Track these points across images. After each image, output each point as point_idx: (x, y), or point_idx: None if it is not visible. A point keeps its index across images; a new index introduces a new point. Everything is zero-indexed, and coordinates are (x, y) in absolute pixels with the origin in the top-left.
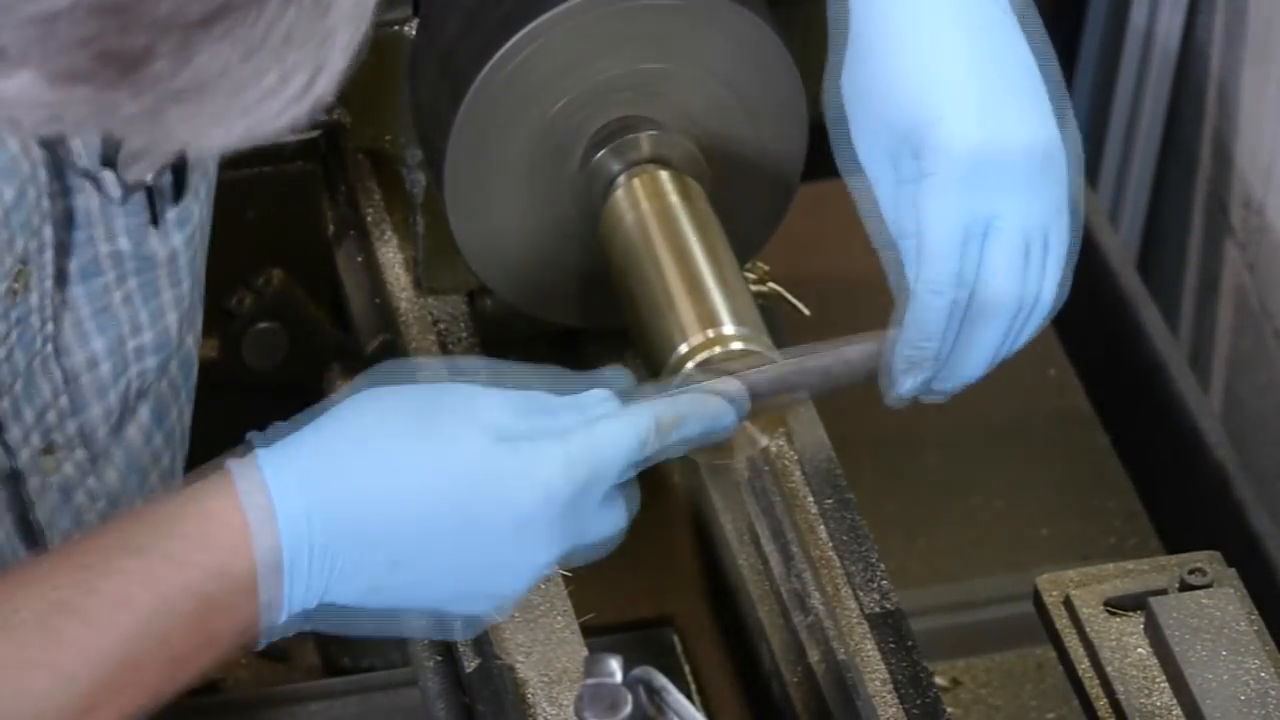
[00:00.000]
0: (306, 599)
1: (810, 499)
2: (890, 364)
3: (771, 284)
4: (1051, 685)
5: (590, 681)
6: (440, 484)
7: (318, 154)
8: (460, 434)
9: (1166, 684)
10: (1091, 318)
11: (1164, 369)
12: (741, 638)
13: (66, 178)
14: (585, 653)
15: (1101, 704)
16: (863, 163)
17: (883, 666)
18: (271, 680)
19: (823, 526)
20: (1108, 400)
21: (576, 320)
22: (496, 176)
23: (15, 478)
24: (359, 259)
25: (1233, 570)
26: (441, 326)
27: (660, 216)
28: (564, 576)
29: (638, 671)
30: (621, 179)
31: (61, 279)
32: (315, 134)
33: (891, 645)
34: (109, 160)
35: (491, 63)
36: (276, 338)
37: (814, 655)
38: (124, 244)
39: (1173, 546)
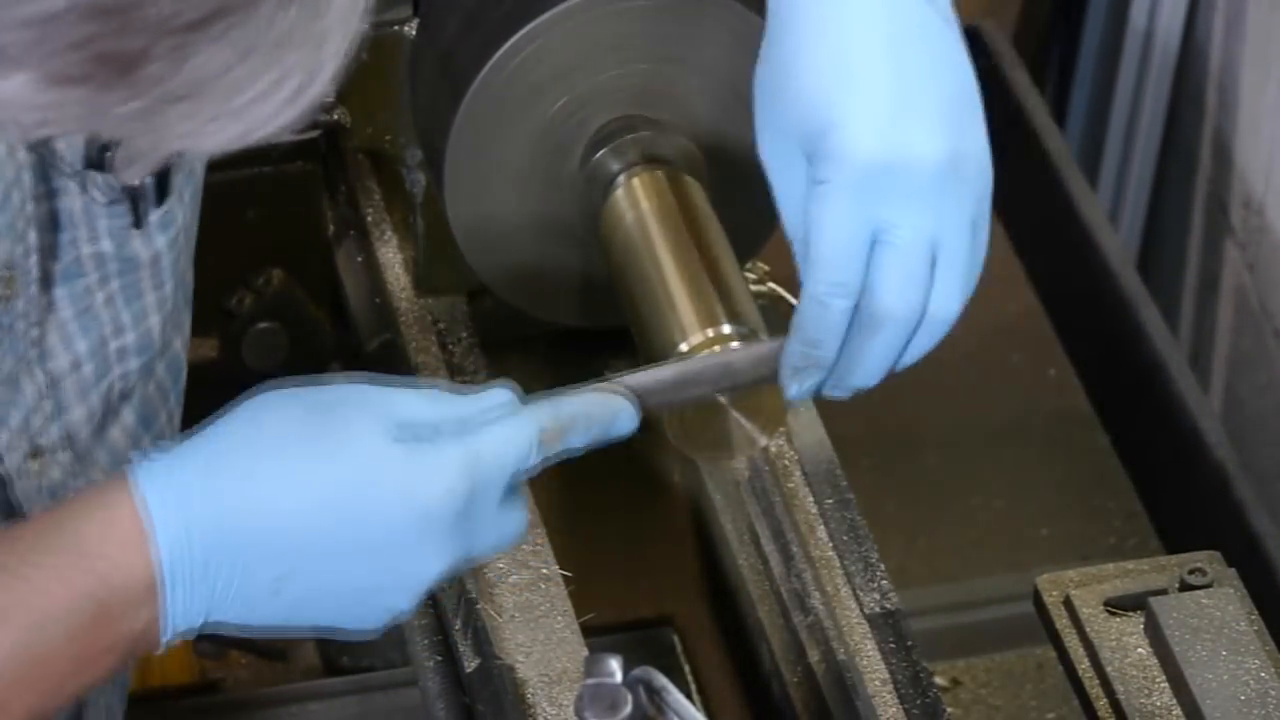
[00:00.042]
0: (189, 618)
1: (810, 499)
2: (781, 366)
3: (771, 284)
4: (1051, 685)
5: (590, 681)
6: (331, 488)
7: (318, 154)
8: (354, 432)
9: (1166, 684)
10: (1091, 318)
11: (1164, 369)
12: (741, 638)
13: (51, 180)
14: (585, 653)
15: (1101, 704)
16: (764, 159)
17: (883, 666)
18: (271, 680)
19: (823, 526)
20: (1108, 400)
21: (576, 320)
22: (496, 176)
23: (3, 482)
24: (359, 259)
25: (1233, 570)
26: (441, 326)
27: (660, 216)
28: (564, 576)
29: (638, 671)
30: (621, 179)
31: (46, 282)
32: (315, 134)
33: (891, 645)
34: (94, 162)
35: (491, 63)
36: (276, 338)
37: (814, 655)
38: (107, 246)
39: (1173, 546)
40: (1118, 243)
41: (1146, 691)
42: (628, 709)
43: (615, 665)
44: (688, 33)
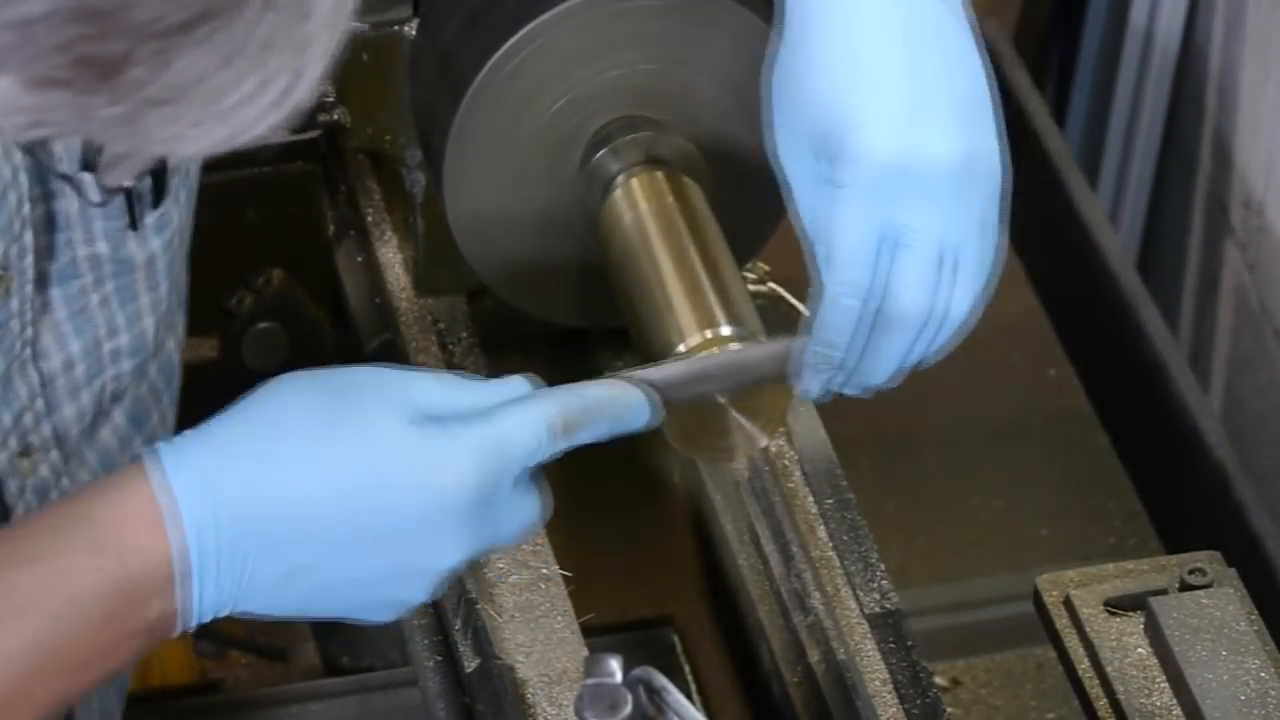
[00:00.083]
0: (213, 605)
1: (810, 499)
2: (798, 364)
3: (771, 284)
4: (1051, 685)
5: (590, 681)
6: (349, 472)
7: (318, 154)
8: (373, 417)
9: (1166, 684)
10: (1091, 318)
11: (1164, 369)
12: (741, 638)
13: (48, 182)
14: (585, 653)
15: (1101, 704)
16: (781, 159)
17: (883, 666)
18: (271, 680)
19: (823, 526)
20: (1108, 400)
21: (576, 320)
22: (496, 177)
23: None
24: (359, 259)
25: (1233, 570)
26: (441, 326)
27: (659, 217)
28: (564, 576)
29: (638, 671)
30: (620, 179)
31: (42, 282)
32: (315, 134)
33: (891, 645)
34: (89, 164)
35: (491, 63)
36: (276, 338)
37: (814, 655)
38: (102, 247)
39: (1173, 546)
40: (1118, 243)
41: (1146, 691)
42: (628, 709)
43: (615, 665)
44: (687, 33)
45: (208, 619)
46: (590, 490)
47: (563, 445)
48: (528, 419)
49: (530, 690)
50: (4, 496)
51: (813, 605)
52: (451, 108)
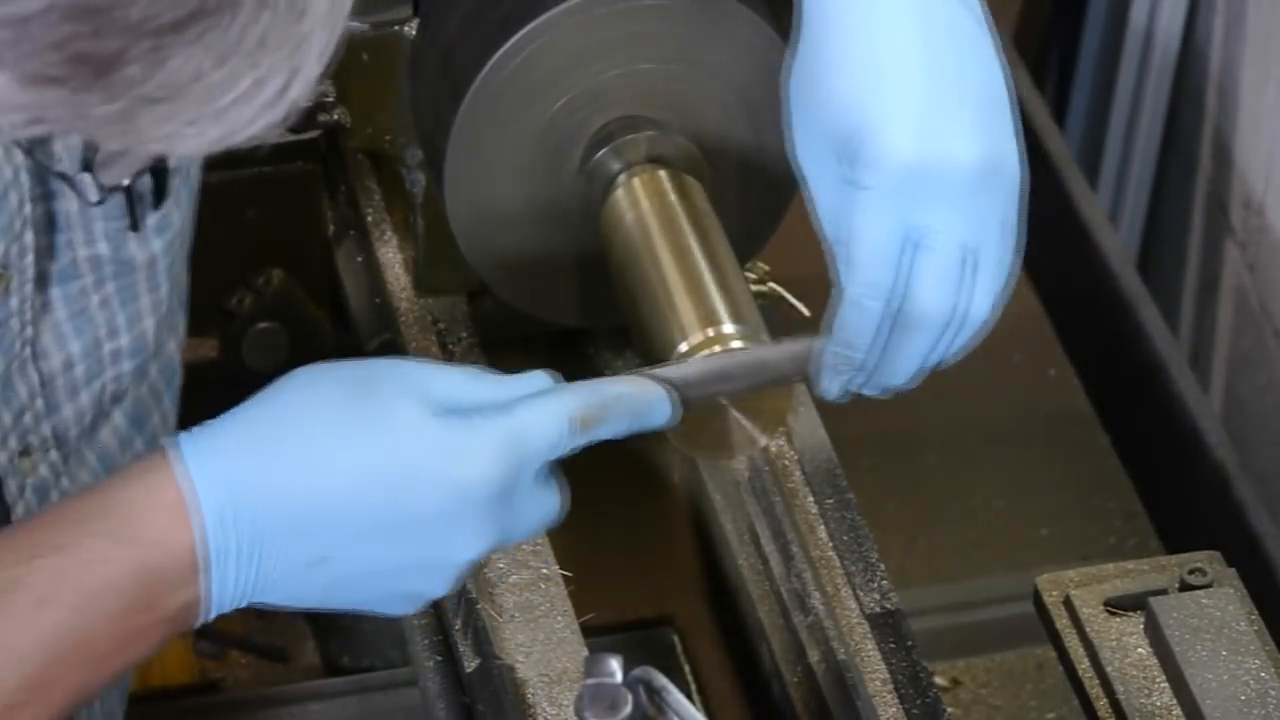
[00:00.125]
0: (232, 596)
1: (810, 499)
2: (818, 364)
3: (771, 284)
4: (1051, 685)
5: (590, 681)
6: (371, 462)
7: (318, 154)
8: (394, 407)
9: (1166, 684)
10: (1091, 318)
11: (1164, 369)
12: (741, 638)
13: (48, 182)
14: (585, 653)
15: (1101, 704)
16: (801, 162)
17: (883, 666)
18: (271, 680)
19: (823, 526)
20: (1108, 400)
21: (576, 320)
22: (496, 176)
23: None
24: (359, 259)
25: (1233, 570)
26: (441, 326)
27: (660, 216)
28: (564, 576)
29: (638, 671)
30: (621, 178)
31: (42, 282)
32: (315, 134)
33: (891, 645)
34: (88, 164)
35: (491, 63)
36: (276, 338)
37: (814, 655)
38: (103, 248)
39: (1173, 546)
40: (1118, 243)
41: (1146, 691)
42: (628, 709)
43: (615, 665)
44: (688, 32)
45: (227, 609)
46: (590, 490)
47: (583, 440)
48: (549, 413)
49: (530, 690)
50: (4, 496)
51: (813, 605)
52: (451, 107)
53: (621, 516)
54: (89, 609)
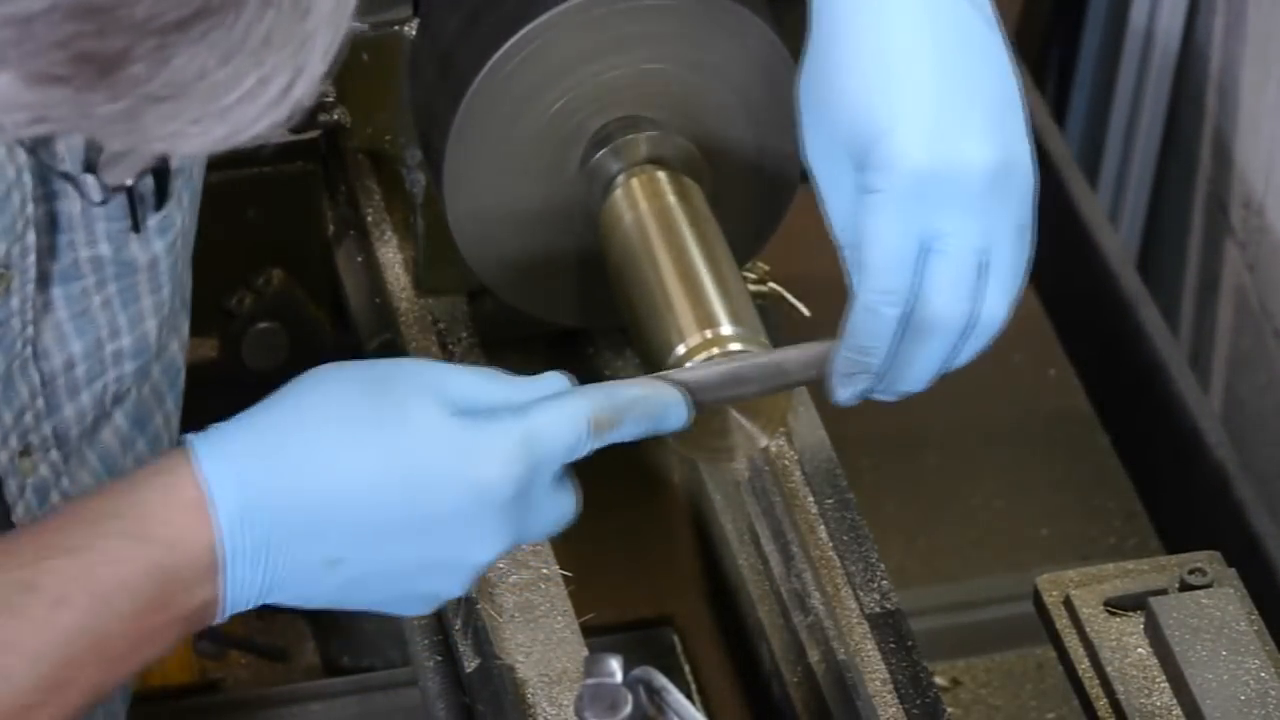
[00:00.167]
0: (247, 596)
1: (810, 499)
2: (831, 371)
3: (771, 284)
4: (1051, 685)
5: (590, 681)
6: (388, 462)
7: (318, 154)
8: (411, 407)
9: (1166, 684)
10: (1091, 318)
11: (1164, 369)
12: (741, 638)
13: (51, 182)
14: (585, 653)
15: (1101, 704)
16: (812, 165)
17: (883, 666)
18: (271, 680)
19: (823, 526)
20: (1108, 400)
21: (576, 320)
22: (496, 177)
23: None
24: (359, 259)
25: (1233, 570)
26: (441, 326)
27: (659, 217)
28: (564, 576)
29: (638, 671)
30: (620, 179)
31: (44, 282)
32: (315, 134)
33: (891, 645)
34: (91, 164)
35: (491, 63)
36: (276, 338)
37: (814, 655)
38: (104, 249)
39: (1173, 546)
40: (1118, 243)
41: (1146, 691)
42: (628, 709)
43: (615, 665)
44: (687, 33)
45: (242, 609)
46: (590, 490)
47: (599, 443)
48: (565, 415)
49: (530, 690)
50: (3, 496)
51: (813, 605)
52: (451, 108)
53: (621, 516)
54: (104, 609)
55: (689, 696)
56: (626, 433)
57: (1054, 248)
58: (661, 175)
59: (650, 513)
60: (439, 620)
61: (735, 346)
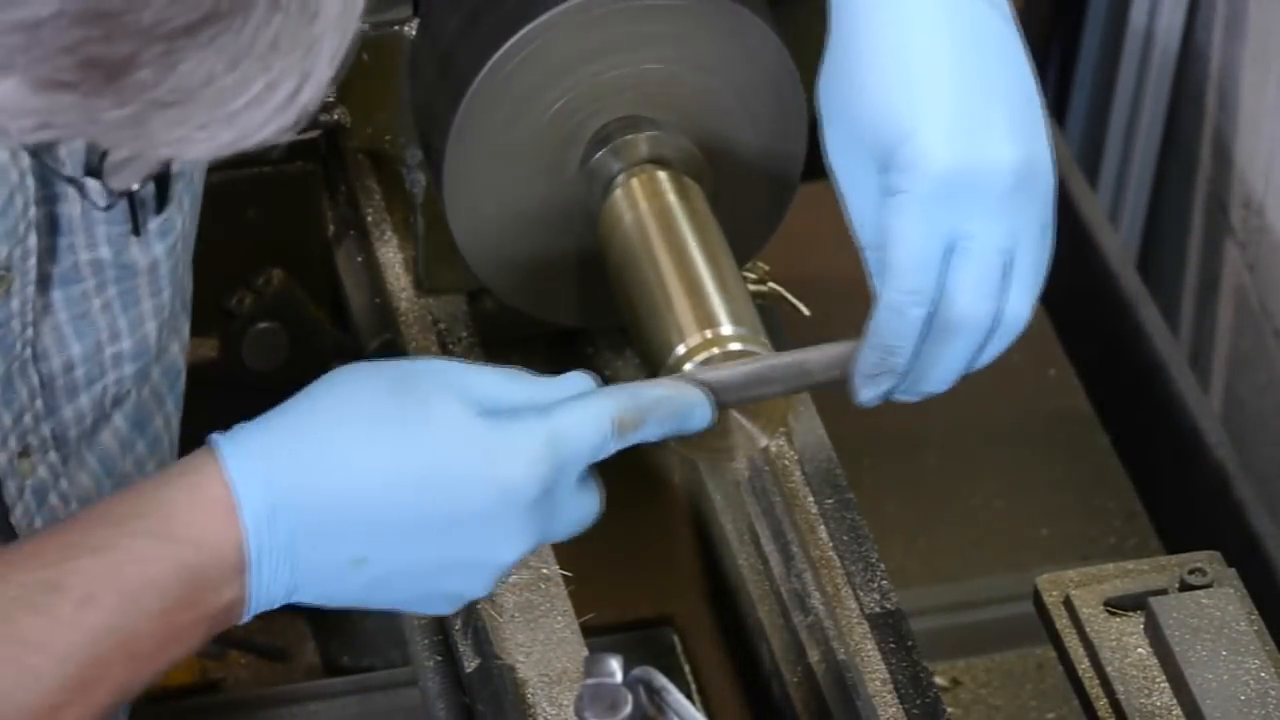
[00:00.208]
0: (273, 594)
1: (810, 499)
2: (854, 371)
3: (771, 284)
4: (1051, 685)
5: (590, 681)
6: (414, 461)
7: (318, 154)
8: (437, 406)
9: (1166, 684)
10: (1091, 318)
11: (1164, 369)
12: (741, 638)
13: (52, 185)
14: (585, 653)
15: (1101, 704)
16: (833, 168)
17: (883, 666)
18: (271, 680)
19: (823, 526)
20: (1108, 400)
21: (576, 320)
22: (496, 177)
23: None
24: (359, 259)
25: (1233, 570)
26: (441, 326)
27: (659, 217)
28: (564, 576)
29: (638, 671)
30: (620, 179)
31: (44, 284)
32: (315, 134)
33: (891, 645)
34: (93, 168)
35: (491, 63)
36: (276, 338)
37: (814, 655)
38: (105, 252)
39: (1173, 546)
40: (1118, 243)
41: (1146, 691)
42: (628, 709)
43: (615, 665)
44: (687, 33)
45: (268, 607)
46: None
47: (623, 443)
48: (590, 416)
49: (530, 690)
50: (2, 497)
51: (813, 605)
52: (451, 108)
53: (621, 516)
54: (132, 608)
55: (689, 696)
56: (650, 433)
57: (1054, 248)
58: (662, 175)
59: (650, 513)
60: (439, 620)
61: (735, 346)
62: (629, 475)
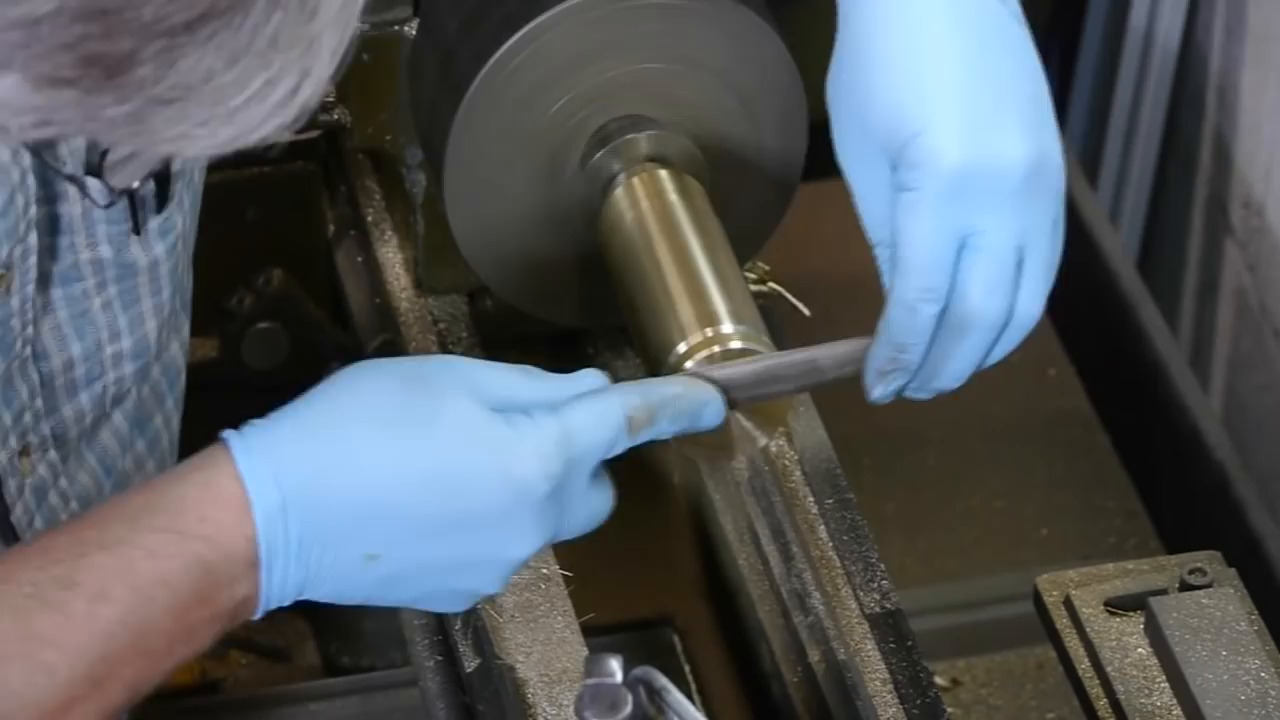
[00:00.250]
0: (285, 592)
1: (810, 499)
2: (867, 368)
3: (771, 284)
4: (1051, 685)
5: (590, 681)
6: (426, 458)
7: (318, 154)
8: (449, 403)
9: (1166, 684)
10: (1091, 318)
11: (1164, 369)
12: (741, 638)
13: (52, 184)
14: (585, 653)
15: (1101, 704)
16: (844, 166)
17: (883, 666)
18: (271, 680)
19: (823, 526)
20: (1108, 400)
21: (576, 320)
22: (496, 176)
23: None
24: (359, 259)
25: (1233, 570)
26: (441, 326)
27: (659, 216)
28: (564, 576)
29: (638, 671)
30: (621, 178)
31: (44, 282)
32: (315, 134)
33: (891, 645)
34: (93, 167)
35: (491, 63)
36: (276, 338)
37: (814, 655)
38: (105, 251)
39: (1173, 546)
40: (1118, 243)
41: (1146, 691)
42: (628, 709)
43: (615, 665)
44: (688, 32)
45: (280, 604)
46: None
47: (635, 441)
48: (603, 412)
49: (530, 690)
50: (2, 496)
51: (813, 605)
52: (451, 108)
53: (621, 516)
54: (145, 604)
55: (689, 696)
56: (662, 431)
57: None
58: (662, 174)
59: (650, 513)
60: (439, 620)
61: (736, 345)
62: (629, 475)
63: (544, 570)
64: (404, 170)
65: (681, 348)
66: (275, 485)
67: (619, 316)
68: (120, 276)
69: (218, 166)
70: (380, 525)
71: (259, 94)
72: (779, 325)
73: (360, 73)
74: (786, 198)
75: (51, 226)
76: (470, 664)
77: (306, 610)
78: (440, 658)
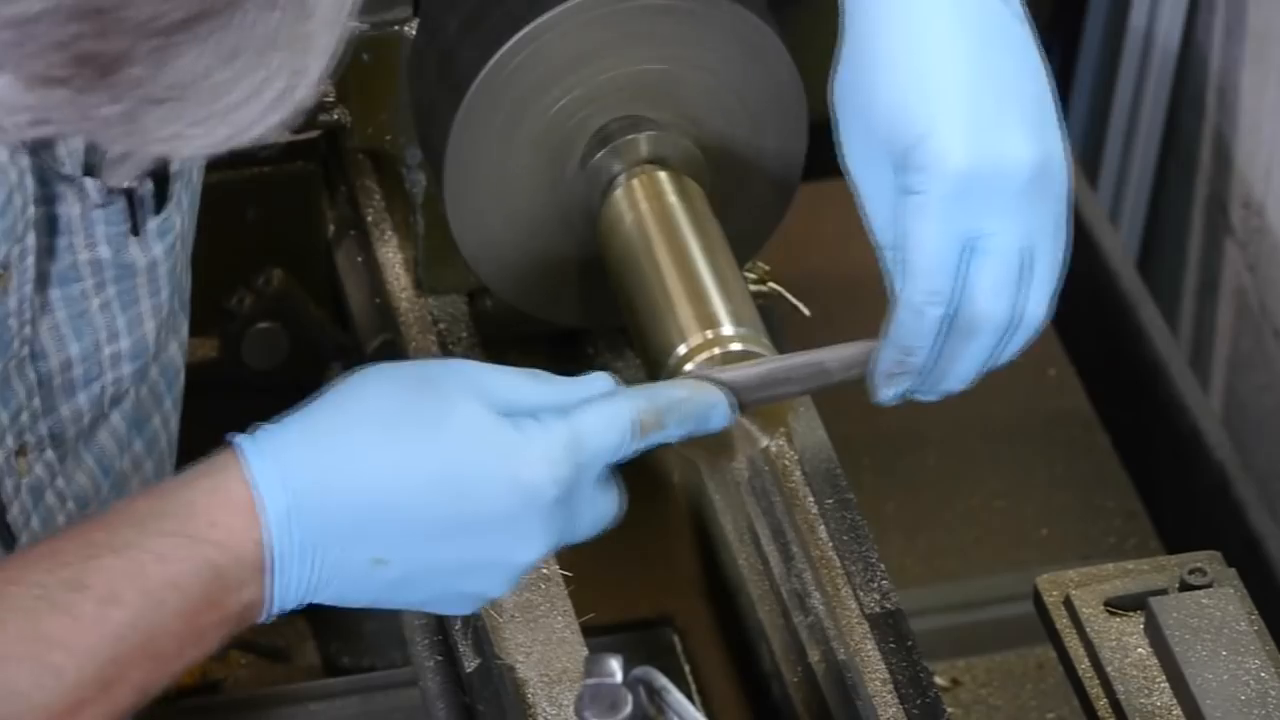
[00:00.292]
0: (294, 595)
1: (810, 499)
2: (873, 370)
3: (771, 284)
4: (1051, 685)
5: (590, 681)
6: (434, 461)
7: (318, 154)
8: (458, 407)
9: (1166, 684)
10: (1091, 318)
11: (1164, 369)
12: (741, 638)
13: (51, 184)
14: (585, 653)
15: (1101, 704)
16: (849, 168)
17: (883, 666)
18: (271, 680)
19: (823, 526)
20: (1108, 400)
21: (576, 320)
22: (496, 177)
23: None
24: (359, 259)
25: (1233, 570)
26: (441, 326)
27: (659, 217)
28: (564, 576)
29: (638, 671)
30: (621, 179)
31: (42, 282)
32: (315, 134)
33: (891, 645)
34: (91, 167)
35: (491, 63)
36: (276, 338)
37: (814, 655)
38: (104, 252)
39: (1173, 546)
40: (1118, 243)
41: (1146, 691)
42: (628, 709)
43: (615, 665)
44: (688, 33)
45: (288, 608)
46: None
47: (643, 444)
48: (611, 416)
49: (530, 690)
50: (1, 494)
51: (813, 605)
52: (451, 108)
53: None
54: (155, 607)
55: (689, 696)
56: (670, 434)
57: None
58: (662, 175)
59: (650, 513)
60: (439, 620)
61: (736, 347)
62: (629, 475)
63: (544, 570)
64: (404, 170)
65: (681, 350)
66: (285, 488)
67: (619, 317)
68: (119, 277)
69: (217, 166)
70: (387, 529)
71: (253, 94)
72: (779, 326)
73: (360, 73)
74: (786, 198)
75: (50, 227)
76: (470, 664)
77: (307, 610)
78: (440, 658)
